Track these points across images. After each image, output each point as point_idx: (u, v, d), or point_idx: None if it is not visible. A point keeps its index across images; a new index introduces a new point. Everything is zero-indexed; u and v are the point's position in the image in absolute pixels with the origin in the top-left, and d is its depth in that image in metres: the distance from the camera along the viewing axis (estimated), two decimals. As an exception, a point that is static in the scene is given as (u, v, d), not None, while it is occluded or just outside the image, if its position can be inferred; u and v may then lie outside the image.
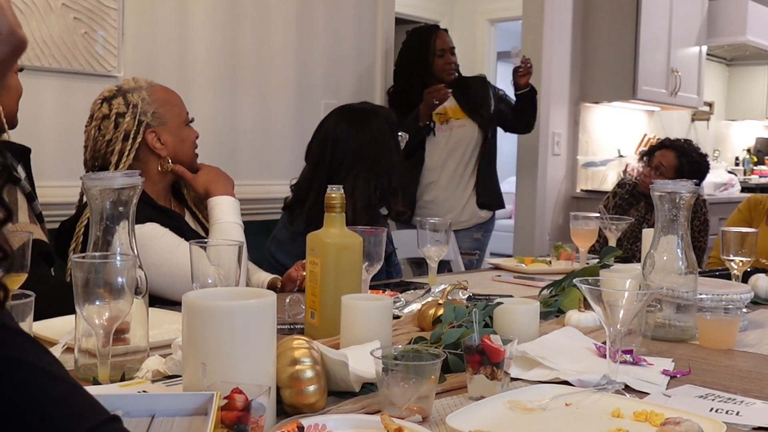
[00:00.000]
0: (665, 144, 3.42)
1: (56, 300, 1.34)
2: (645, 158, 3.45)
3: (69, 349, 1.23)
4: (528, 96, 3.61)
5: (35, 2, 2.41)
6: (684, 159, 3.32)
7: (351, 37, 3.44)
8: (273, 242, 2.38)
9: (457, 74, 3.60)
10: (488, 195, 3.59)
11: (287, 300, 1.65)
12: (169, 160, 1.90)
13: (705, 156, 3.43)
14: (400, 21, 5.10)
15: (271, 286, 2.03)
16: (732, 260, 1.91)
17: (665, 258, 1.57)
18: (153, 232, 1.74)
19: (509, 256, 4.77)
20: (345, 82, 3.43)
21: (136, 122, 1.86)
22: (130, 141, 1.85)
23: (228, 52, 2.99)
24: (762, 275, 2.06)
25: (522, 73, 3.54)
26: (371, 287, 1.84)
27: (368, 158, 2.25)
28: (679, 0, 4.87)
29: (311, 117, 3.25)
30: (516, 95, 3.63)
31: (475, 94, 3.58)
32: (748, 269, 2.09)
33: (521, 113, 3.66)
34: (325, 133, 2.34)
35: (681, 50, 4.95)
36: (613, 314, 1.16)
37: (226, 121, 3.01)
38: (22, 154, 1.73)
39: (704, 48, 5.21)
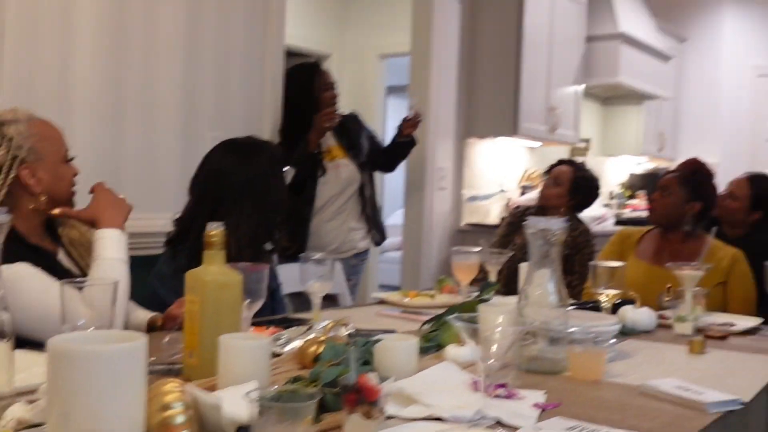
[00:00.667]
0: (563, 161, 3.75)
1: None
2: (545, 174, 3.76)
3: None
4: (407, 145, 3.82)
5: None
6: (579, 173, 3.63)
7: (239, 68, 3.43)
8: (155, 278, 2.32)
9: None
10: (377, 230, 3.71)
11: (166, 339, 1.63)
12: (44, 198, 1.83)
13: (597, 179, 3.70)
14: (290, 54, 5.13)
15: (151, 325, 1.98)
16: (602, 293, 2.00)
17: (538, 292, 1.63)
18: (21, 273, 1.68)
19: (398, 287, 4.85)
20: (233, 114, 3.41)
21: (10, 157, 1.79)
22: (2, 175, 1.78)
23: (112, 81, 2.92)
24: (630, 307, 2.17)
25: (409, 125, 3.70)
26: (255, 324, 1.82)
27: (253, 193, 2.24)
28: (559, 41, 5.10)
29: (198, 149, 3.19)
30: (396, 140, 3.77)
31: (351, 134, 3.69)
32: (618, 301, 2.20)
33: (393, 157, 3.90)
34: (210, 167, 2.31)
35: (560, 89, 5.17)
36: (487, 349, 1.19)
37: (110, 153, 2.93)
38: None
39: (581, 87, 5.47)
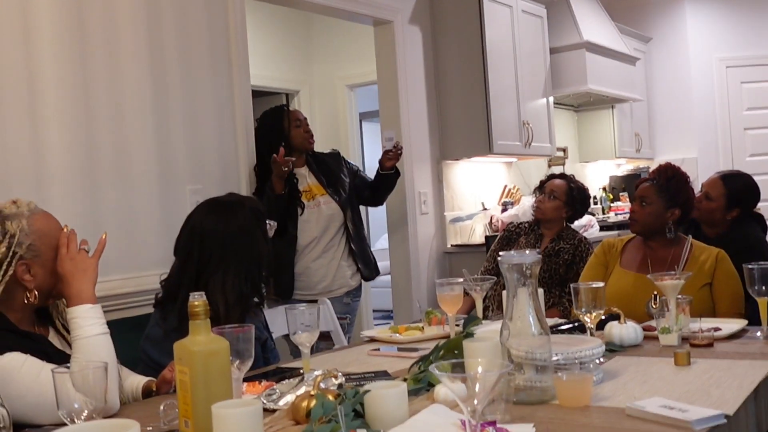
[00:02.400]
0: (555, 175, 3.86)
1: None
2: (538, 189, 3.81)
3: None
4: (391, 177, 3.81)
5: None
6: (572, 185, 3.73)
7: (209, 117, 3.45)
8: (147, 341, 2.35)
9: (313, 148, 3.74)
10: (364, 265, 3.71)
11: (162, 406, 1.65)
12: (36, 293, 1.85)
13: (588, 189, 3.85)
14: (260, 94, 5.18)
15: (146, 390, 2.00)
16: (585, 315, 2.04)
17: (520, 324, 1.67)
18: (13, 363, 1.70)
19: (390, 310, 4.87)
20: (208, 164, 3.43)
21: (11, 253, 1.81)
22: (2, 271, 1.80)
23: (83, 146, 2.94)
24: (615, 323, 2.20)
25: (390, 157, 3.72)
26: (247, 379, 1.85)
27: (236, 250, 2.27)
28: (523, 55, 5.17)
29: (178, 204, 3.25)
30: (380, 173, 3.78)
31: (331, 172, 3.71)
32: (603, 317, 2.24)
33: (379, 191, 3.88)
34: (192, 228, 2.35)
35: (530, 103, 5.24)
36: (472, 389, 1.22)
37: (88, 218, 2.95)
38: None
39: (551, 98, 5.54)
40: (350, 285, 3.71)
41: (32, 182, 2.74)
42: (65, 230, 1.90)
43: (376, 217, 6.97)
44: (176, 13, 3.33)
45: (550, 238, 3.65)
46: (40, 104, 2.82)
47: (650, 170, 3.06)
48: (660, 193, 2.87)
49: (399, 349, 2.36)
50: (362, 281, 3.79)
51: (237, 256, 2.26)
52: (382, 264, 4.11)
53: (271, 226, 2.41)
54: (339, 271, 3.67)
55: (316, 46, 6.15)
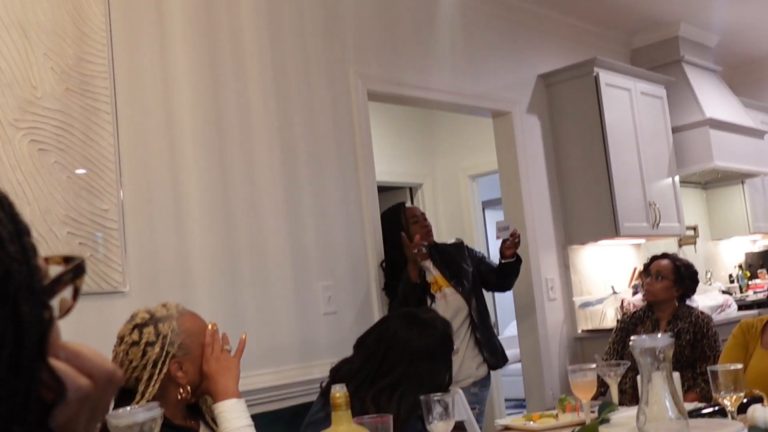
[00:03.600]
0: (657, 256, 3.81)
1: None
2: (644, 273, 3.81)
3: None
4: (513, 265, 3.85)
5: (40, 233, 2.58)
6: (678, 263, 3.70)
7: (338, 215, 3.61)
8: (309, 427, 2.42)
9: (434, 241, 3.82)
10: (490, 354, 3.70)
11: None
12: (189, 389, 1.99)
13: (693, 265, 3.81)
14: (383, 188, 5.36)
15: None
16: (725, 398, 1.99)
17: (655, 409, 1.66)
18: None
19: (522, 399, 4.79)
20: (339, 260, 3.58)
21: (164, 353, 1.96)
22: (157, 370, 1.94)
23: (224, 248, 3.15)
24: (758, 406, 2.13)
25: (508, 246, 3.77)
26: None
27: (420, 373, 2.32)
28: (644, 136, 5.14)
29: (311, 300, 3.40)
30: (502, 263, 3.83)
31: (454, 262, 3.77)
32: (745, 400, 2.17)
33: (504, 278, 3.90)
34: (384, 331, 2.45)
35: (655, 183, 5.18)
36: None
37: (230, 317, 3.12)
38: None
39: (677, 177, 5.45)
40: (477, 375, 3.69)
41: (178, 283, 2.95)
42: (210, 327, 2.04)
43: (503, 306, 6.95)
44: (305, 116, 3.55)
45: (667, 320, 3.59)
46: (185, 208, 3.05)
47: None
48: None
49: (534, 438, 2.35)
50: (490, 371, 3.77)
51: (419, 380, 2.28)
52: (512, 352, 4.08)
53: (456, 351, 2.50)
54: (464, 362, 3.67)
55: (438, 140, 6.33)
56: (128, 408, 1.30)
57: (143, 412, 1.27)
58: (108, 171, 2.81)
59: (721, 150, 5.66)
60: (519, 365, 4.76)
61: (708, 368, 2.08)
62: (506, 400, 6.16)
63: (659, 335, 1.66)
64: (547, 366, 4.58)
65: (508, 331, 7.98)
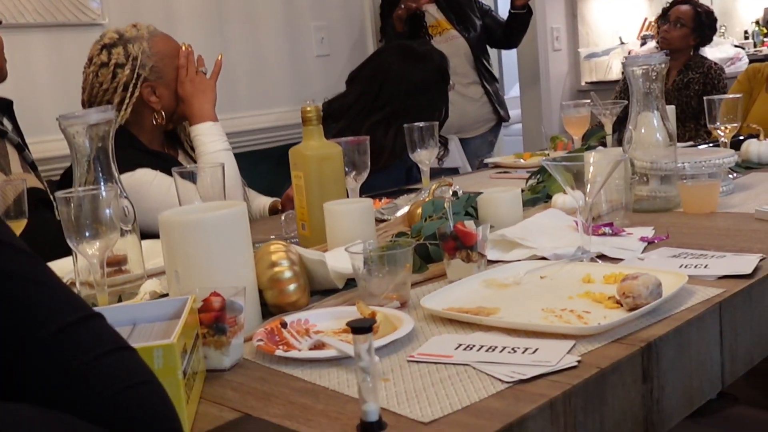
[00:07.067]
0: (677, 1, 3.60)
1: (61, 242, 1.40)
2: (661, 18, 3.63)
3: (72, 284, 1.30)
4: (523, 17, 3.54)
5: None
6: (700, 9, 3.54)
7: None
8: None
9: None
10: (501, 106, 3.56)
11: (283, 217, 1.71)
12: (163, 114, 1.91)
13: (713, 11, 3.65)
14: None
15: (273, 209, 2.08)
16: (718, 128, 1.92)
17: (643, 132, 1.59)
18: (144, 178, 1.78)
19: (522, 158, 4.78)
20: (332, 0, 3.40)
21: (135, 75, 1.87)
22: (128, 94, 1.87)
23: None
24: (753, 140, 2.07)
25: None
26: (373, 196, 1.87)
27: (415, 107, 2.27)
28: None
29: (303, 41, 3.27)
30: (511, 13, 3.56)
31: (461, 9, 3.53)
32: (741, 137, 2.11)
33: (512, 32, 3.60)
34: (379, 65, 2.39)
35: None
36: (579, 185, 1.19)
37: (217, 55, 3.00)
38: (7, 106, 1.77)
39: None
40: (489, 120, 3.56)
41: (161, 18, 2.79)
42: (183, 48, 1.94)
43: (508, 65, 6.74)
44: None
45: (678, 69, 3.43)
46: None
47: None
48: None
49: (519, 173, 2.32)
50: (500, 122, 3.66)
51: (415, 113, 2.18)
52: (515, 112, 3.98)
53: (451, 86, 2.41)
54: (477, 106, 3.53)
55: None
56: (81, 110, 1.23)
57: (96, 113, 1.21)
58: None
59: None
60: (519, 126, 4.68)
61: (705, 98, 2.00)
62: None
63: (654, 54, 1.56)
64: (547, 119, 4.50)
65: (511, 93, 7.83)
